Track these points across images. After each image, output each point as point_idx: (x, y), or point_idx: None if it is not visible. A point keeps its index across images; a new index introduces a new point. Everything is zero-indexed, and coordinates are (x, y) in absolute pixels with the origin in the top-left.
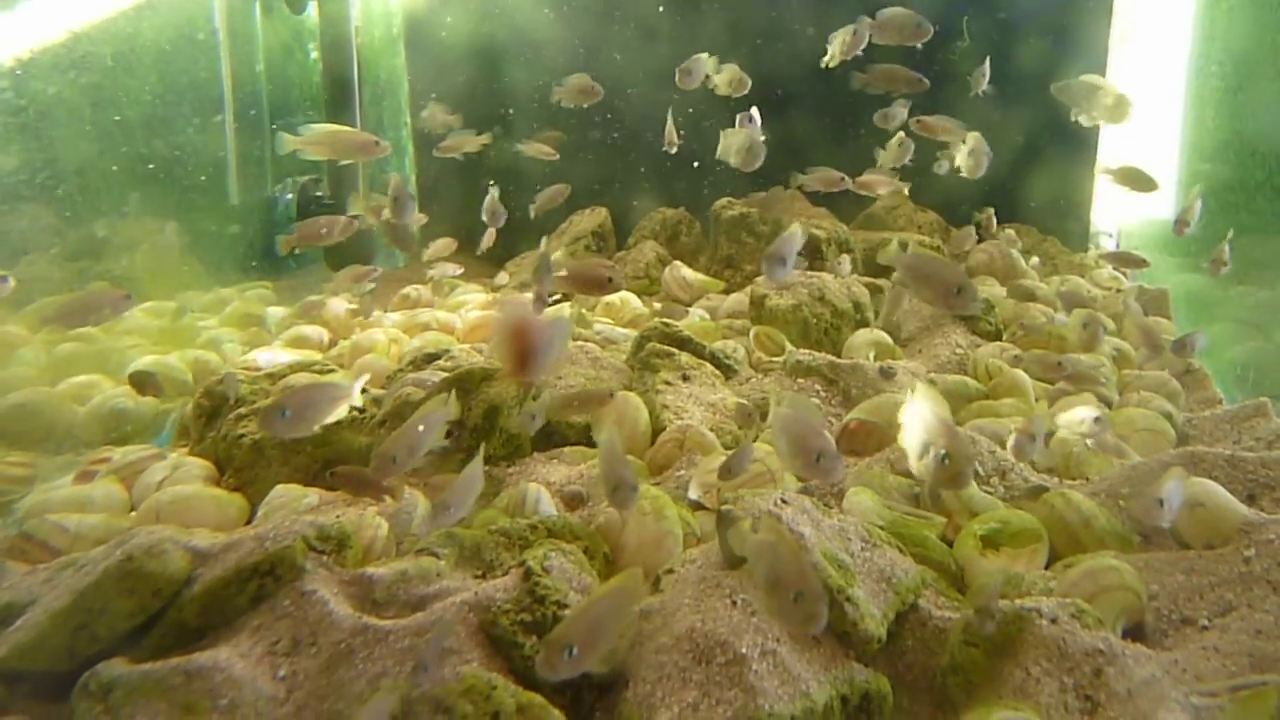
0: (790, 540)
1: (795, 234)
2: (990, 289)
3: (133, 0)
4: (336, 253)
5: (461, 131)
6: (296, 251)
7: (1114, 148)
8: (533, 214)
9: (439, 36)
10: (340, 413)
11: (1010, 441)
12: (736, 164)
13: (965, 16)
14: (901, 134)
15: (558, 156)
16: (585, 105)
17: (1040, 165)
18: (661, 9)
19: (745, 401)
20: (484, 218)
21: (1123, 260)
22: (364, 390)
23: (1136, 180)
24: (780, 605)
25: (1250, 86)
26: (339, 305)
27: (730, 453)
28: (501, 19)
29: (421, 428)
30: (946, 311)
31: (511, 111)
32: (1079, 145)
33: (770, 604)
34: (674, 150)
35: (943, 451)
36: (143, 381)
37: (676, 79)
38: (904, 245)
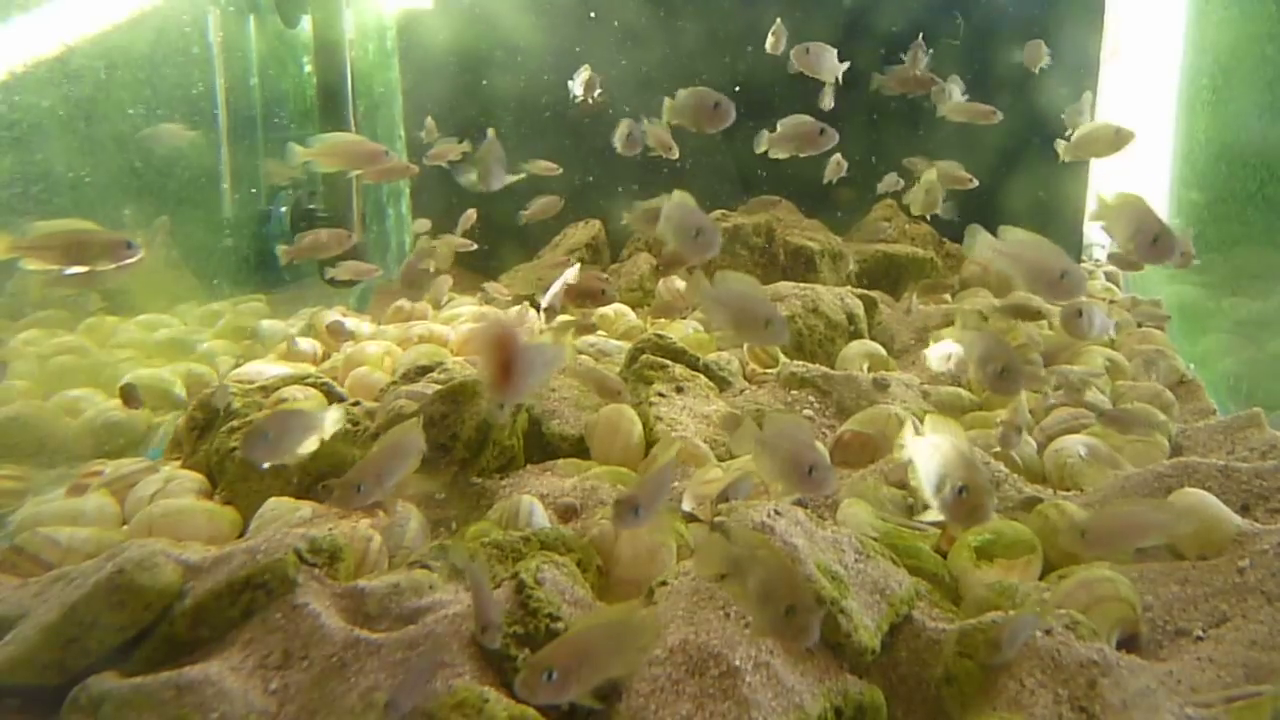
0: (779, 551)
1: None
2: (985, 300)
3: (126, 14)
4: (331, 266)
5: (445, 139)
6: (294, 262)
7: (1107, 161)
8: (522, 221)
9: (433, 50)
10: (309, 446)
11: (998, 434)
12: None
13: (958, 17)
14: (932, 178)
15: (560, 171)
16: (592, 99)
17: (1033, 177)
18: (643, 19)
19: (736, 411)
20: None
21: (1121, 262)
22: (356, 403)
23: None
24: (772, 619)
25: (1241, 98)
26: (331, 317)
27: (724, 467)
28: (495, 33)
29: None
30: (992, 392)
31: (500, 125)
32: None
33: (761, 618)
34: (675, 155)
35: (960, 484)
36: (127, 394)
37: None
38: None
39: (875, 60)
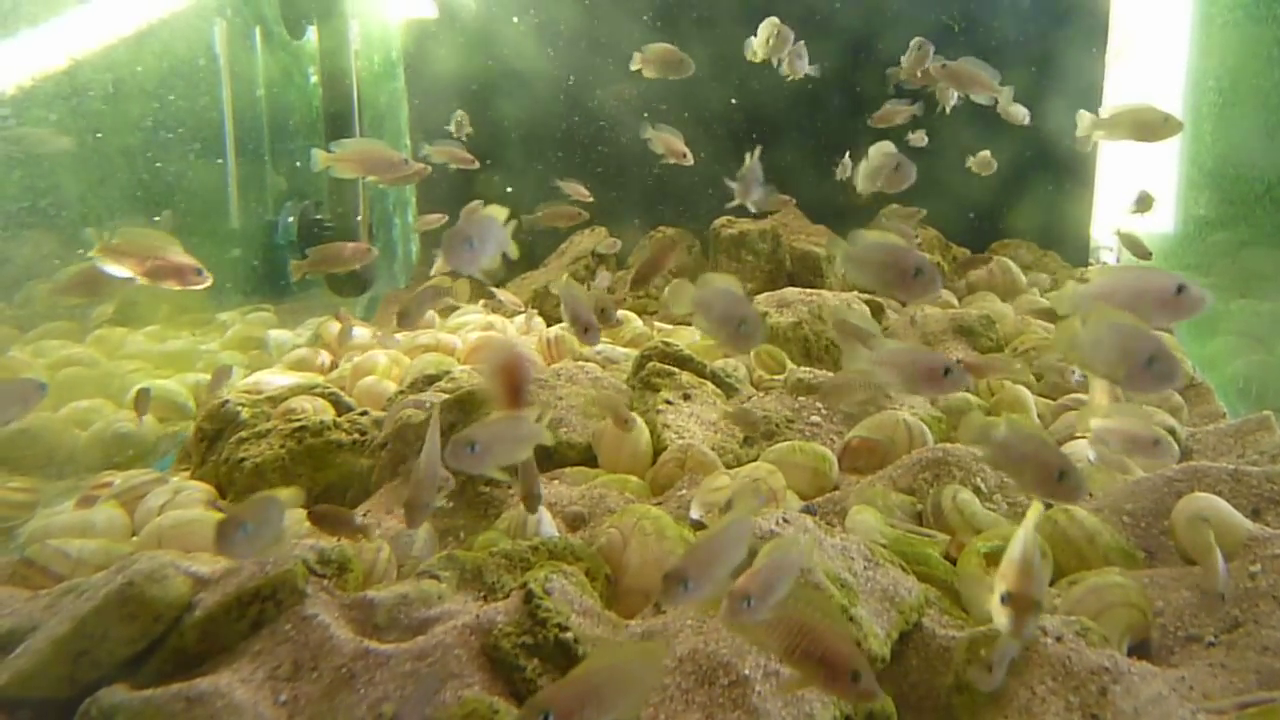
0: (827, 609)
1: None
2: (991, 305)
3: (134, 28)
4: (338, 275)
5: (448, 142)
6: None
7: (1113, 163)
8: (536, 225)
9: (438, 61)
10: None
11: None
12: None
13: (954, 23)
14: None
15: (592, 198)
16: (672, 76)
17: (1039, 180)
18: (647, 41)
19: (748, 407)
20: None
21: (1132, 245)
22: (363, 412)
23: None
24: (834, 686)
25: (1247, 102)
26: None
27: (732, 474)
28: (500, 44)
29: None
30: (1048, 500)
31: (506, 135)
32: (1077, 161)
33: (818, 681)
34: (689, 162)
35: (1006, 591)
36: (138, 400)
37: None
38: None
39: (879, 84)
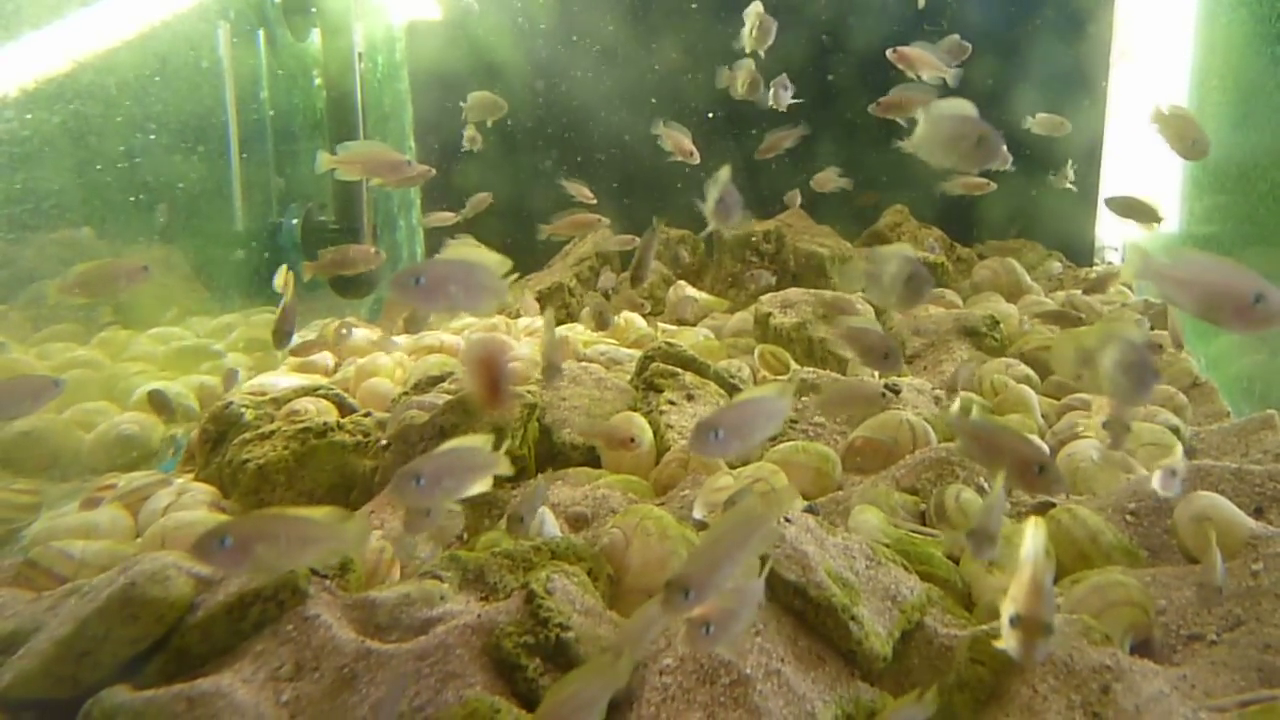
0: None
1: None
2: (995, 305)
3: (136, 29)
4: (343, 277)
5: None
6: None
7: (1118, 162)
8: (554, 236)
9: (442, 62)
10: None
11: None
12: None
13: (941, 25)
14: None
15: (595, 201)
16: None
17: (1044, 181)
18: (624, 37)
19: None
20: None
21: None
22: (367, 414)
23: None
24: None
25: (1251, 99)
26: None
27: (735, 474)
28: (504, 45)
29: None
30: (1025, 492)
31: (510, 136)
32: (1083, 161)
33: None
34: (695, 160)
35: (1015, 613)
36: (157, 403)
37: None
38: (967, 409)
39: (852, 76)
